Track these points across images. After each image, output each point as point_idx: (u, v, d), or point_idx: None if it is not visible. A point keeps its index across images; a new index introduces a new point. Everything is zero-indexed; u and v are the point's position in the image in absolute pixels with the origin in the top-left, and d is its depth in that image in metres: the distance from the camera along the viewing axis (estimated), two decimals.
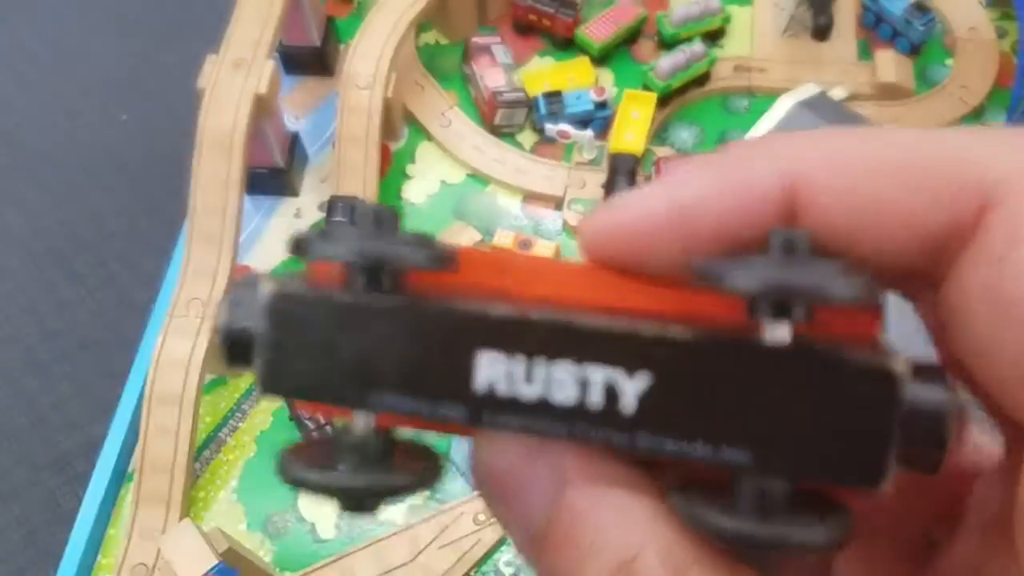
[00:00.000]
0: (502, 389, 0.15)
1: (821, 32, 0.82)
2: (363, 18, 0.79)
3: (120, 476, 0.64)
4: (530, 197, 0.77)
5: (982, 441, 0.18)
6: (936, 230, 0.16)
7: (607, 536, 0.15)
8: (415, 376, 0.16)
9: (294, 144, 0.77)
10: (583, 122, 0.78)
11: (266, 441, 0.65)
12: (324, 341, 0.16)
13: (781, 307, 0.15)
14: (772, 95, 0.67)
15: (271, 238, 0.75)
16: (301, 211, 0.77)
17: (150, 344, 0.64)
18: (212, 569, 0.50)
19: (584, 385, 0.15)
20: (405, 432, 0.17)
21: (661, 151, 0.77)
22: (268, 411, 0.66)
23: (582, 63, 0.82)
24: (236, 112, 0.67)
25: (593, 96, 0.78)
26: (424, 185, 0.78)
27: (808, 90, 0.62)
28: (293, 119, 0.83)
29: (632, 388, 0.15)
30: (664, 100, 0.79)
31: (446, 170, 0.79)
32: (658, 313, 0.16)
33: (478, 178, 0.78)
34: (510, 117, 0.79)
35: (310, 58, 0.84)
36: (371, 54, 0.77)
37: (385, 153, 0.80)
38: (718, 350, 0.14)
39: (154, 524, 0.59)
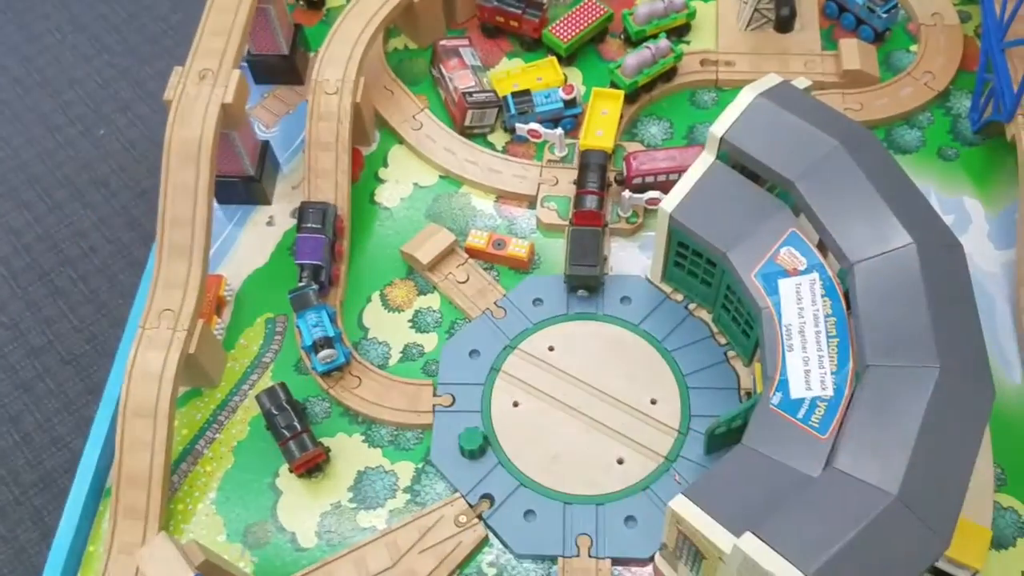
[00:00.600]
0: None
1: (784, 24, 0.83)
2: (331, 26, 0.79)
3: (98, 492, 0.64)
4: (503, 196, 0.77)
5: None
6: None
7: None
8: None
9: (264, 152, 0.77)
10: (553, 121, 0.79)
11: (243, 451, 0.64)
12: None
13: None
14: (738, 88, 0.68)
15: (244, 247, 0.75)
16: (274, 219, 0.76)
17: (124, 357, 0.64)
18: None
19: None
20: None
21: (631, 146, 0.78)
22: (245, 421, 0.65)
23: (550, 63, 0.82)
24: (203, 122, 0.67)
25: (562, 95, 0.78)
26: (397, 189, 0.78)
27: (770, 80, 0.62)
28: (263, 127, 0.83)
29: None
30: (632, 96, 0.80)
31: (419, 173, 0.79)
32: None
33: (451, 180, 0.78)
34: (480, 118, 0.79)
35: (279, 66, 0.84)
36: (339, 60, 0.77)
37: (357, 158, 0.80)
38: None
39: (132, 539, 0.59)
